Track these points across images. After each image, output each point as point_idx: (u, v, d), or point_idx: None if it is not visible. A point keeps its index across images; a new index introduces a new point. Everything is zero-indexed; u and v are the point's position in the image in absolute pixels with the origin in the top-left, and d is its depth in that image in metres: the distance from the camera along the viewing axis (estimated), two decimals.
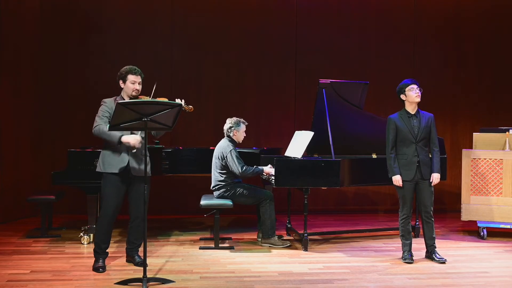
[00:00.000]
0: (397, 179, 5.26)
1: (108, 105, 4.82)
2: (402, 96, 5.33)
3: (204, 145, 7.02)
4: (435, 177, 5.27)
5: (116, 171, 4.78)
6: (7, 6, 7.28)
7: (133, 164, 4.81)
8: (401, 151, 5.27)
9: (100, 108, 4.83)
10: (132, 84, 4.83)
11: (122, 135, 4.68)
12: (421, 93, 5.29)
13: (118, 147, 4.77)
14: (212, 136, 7.49)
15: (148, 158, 4.87)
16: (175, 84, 8.17)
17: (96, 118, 4.79)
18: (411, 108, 5.30)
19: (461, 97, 8.74)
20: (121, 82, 4.88)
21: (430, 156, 5.34)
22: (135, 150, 4.76)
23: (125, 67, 4.90)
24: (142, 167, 4.82)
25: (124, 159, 4.79)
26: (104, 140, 4.80)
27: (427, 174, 5.26)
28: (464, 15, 8.71)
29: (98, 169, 4.88)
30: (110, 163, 4.80)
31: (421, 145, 5.25)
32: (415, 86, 5.25)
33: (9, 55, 7.33)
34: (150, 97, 4.82)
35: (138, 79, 4.86)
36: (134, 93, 4.83)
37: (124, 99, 4.84)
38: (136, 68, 4.89)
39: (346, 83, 6.44)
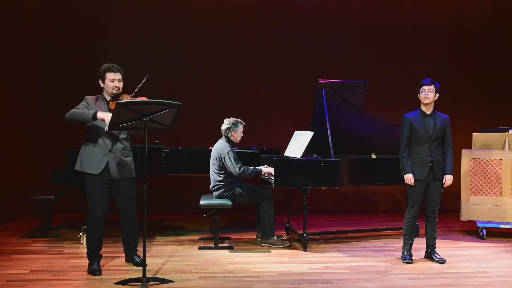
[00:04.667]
0: (408, 177, 5.26)
1: (88, 101, 4.74)
2: (418, 96, 5.34)
3: (203, 145, 7.02)
4: (448, 179, 5.26)
5: (95, 172, 4.68)
6: (6, 5, 7.28)
7: (113, 165, 4.72)
8: (415, 150, 5.28)
9: (81, 103, 4.75)
10: (111, 82, 4.74)
11: (97, 111, 4.56)
12: (434, 94, 5.25)
13: (98, 146, 4.68)
14: (211, 136, 7.45)
15: (131, 158, 4.84)
16: (174, 84, 8.17)
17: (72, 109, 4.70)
18: (425, 108, 5.30)
19: (461, 97, 8.73)
20: (100, 81, 4.80)
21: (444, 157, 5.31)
22: (107, 129, 4.56)
23: (103, 66, 4.81)
24: (122, 168, 4.75)
25: (103, 159, 4.70)
26: (85, 136, 4.71)
27: (439, 175, 5.26)
28: (464, 15, 8.71)
29: (76, 167, 4.77)
30: (88, 162, 4.70)
31: (435, 145, 5.25)
32: (426, 88, 5.25)
33: (8, 55, 7.33)
34: (137, 87, 4.68)
35: (117, 76, 4.76)
36: (114, 91, 4.74)
37: (106, 98, 4.79)
38: (114, 65, 4.80)
39: (346, 83, 6.44)
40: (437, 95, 5.31)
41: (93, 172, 4.69)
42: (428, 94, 5.24)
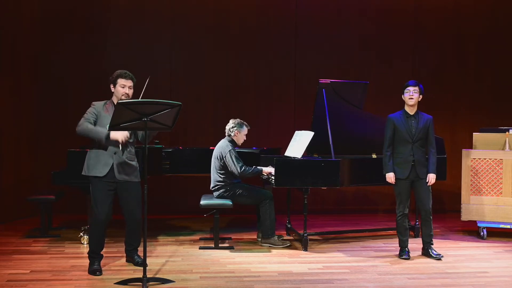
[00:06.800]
0: (389, 176, 5.42)
1: (96, 107, 4.77)
2: (403, 96, 5.48)
3: (203, 145, 7.02)
4: (431, 177, 5.39)
5: (101, 175, 4.71)
6: (6, 5, 7.27)
7: (118, 168, 4.74)
8: (398, 150, 5.42)
9: (87, 110, 4.78)
10: (121, 88, 4.77)
11: (110, 132, 4.61)
12: (418, 95, 5.38)
13: (103, 150, 4.70)
14: (212, 136, 7.48)
15: (136, 162, 4.86)
16: (174, 84, 8.17)
17: (81, 119, 4.72)
18: (409, 109, 5.44)
19: (461, 97, 8.74)
20: (111, 86, 4.83)
21: (427, 156, 5.45)
22: (120, 147, 4.69)
23: (116, 71, 4.85)
24: (128, 171, 4.79)
25: (109, 162, 4.72)
26: (91, 140, 4.73)
27: (423, 174, 5.40)
28: (464, 15, 8.71)
29: (83, 173, 4.81)
30: (94, 166, 4.73)
31: (418, 145, 5.38)
32: (411, 89, 5.40)
33: (8, 54, 7.33)
34: (142, 91, 4.69)
35: (129, 83, 4.80)
36: (123, 97, 4.75)
37: (114, 103, 4.81)
38: (127, 72, 4.83)
39: (346, 83, 6.45)
40: (421, 96, 5.45)
41: (99, 174, 4.72)
42: (413, 95, 5.38)
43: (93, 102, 4.84)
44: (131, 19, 8.10)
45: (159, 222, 7.32)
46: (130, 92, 4.83)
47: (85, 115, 4.75)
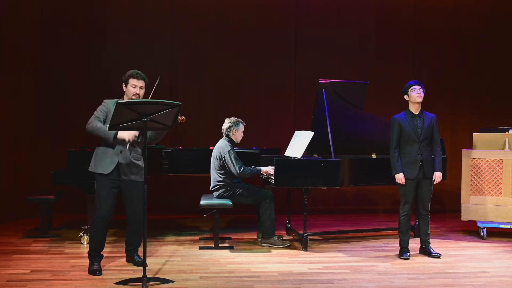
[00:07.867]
0: (400, 177, 5.39)
1: (107, 105, 4.79)
2: (406, 97, 5.48)
3: (203, 145, 7.02)
4: (438, 176, 5.42)
5: (105, 172, 4.72)
6: (6, 5, 7.27)
7: (123, 166, 4.75)
8: (405, 150, 5.40)
9: (98, 108, 4.81)
10: (132, 88, 4.79)
11: (117, 132, 4.62)
12: (423, 94, 5.40)
13: (110, 148, 4.71)
14: (212, 136, 7.46)
15: (141, 162, 4.84)
16: (174, 84, 8.17)
17: (92, 116, 4.75)
18: (414, 109, 5.43)
19: (461, 97, 8.74)
20: (123, 85, 4.86)
21: (432, 155, 5.47)
22: (127, 146, 4.70)
23: (129, 71, 4.86)
24: (133, 171, 4.79)
25: (114, 160, 4.73)
26: (99, 138, 4.75)
27: (429, 173, 5.41)
28: (464, 15, 8.71)
29: (89, 169, 4.84)
30: (100, 163, 4.75)
31: (424, 145, 5.39)
32: (417, 87, 5.40)
33: (8, 54, 7.32)
34: (152, 90, 4.74)
35: (140, 83, 4.81)
36: (134, 97, 4.77)
37: None
38: (139, 72, 4.84)
39: (346, 83, 6.45)
40: None
41: (103, 172, 4.73)
42: (420, 93, 5.38)
43: (104, 100, 4.86)
44: (131, 19, 8.10)
45: (159, 222, 7.32)
46: (141, 92, 4.84)
47: (95, 113, 4.77)
